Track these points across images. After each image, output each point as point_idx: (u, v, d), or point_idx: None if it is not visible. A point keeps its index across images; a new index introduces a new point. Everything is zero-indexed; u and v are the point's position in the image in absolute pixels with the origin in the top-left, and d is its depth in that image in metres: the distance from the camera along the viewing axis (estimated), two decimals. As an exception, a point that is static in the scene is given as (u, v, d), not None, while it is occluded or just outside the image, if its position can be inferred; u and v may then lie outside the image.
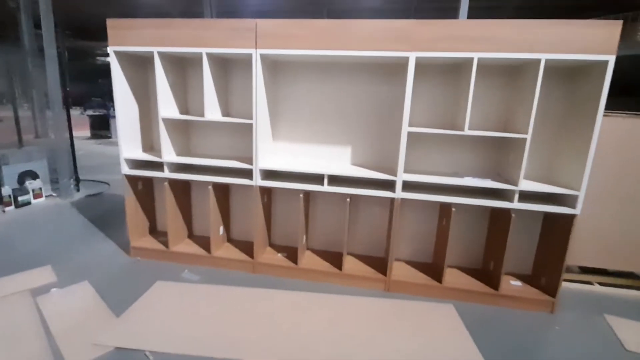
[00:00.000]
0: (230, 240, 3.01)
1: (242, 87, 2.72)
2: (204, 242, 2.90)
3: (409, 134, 2.26)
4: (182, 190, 2.87)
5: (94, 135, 9.80)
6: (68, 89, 4.67)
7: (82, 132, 9.90)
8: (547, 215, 2.43)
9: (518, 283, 2.49)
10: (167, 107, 2.54)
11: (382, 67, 2.47)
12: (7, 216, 3.63)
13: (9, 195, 3.75)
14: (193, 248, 2.83)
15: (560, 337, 2.11)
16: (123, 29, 2.39)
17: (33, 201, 4.00)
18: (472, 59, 2.04)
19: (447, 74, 2.41)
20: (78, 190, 4.48)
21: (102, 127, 9.79)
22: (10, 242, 3.05)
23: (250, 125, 2.69)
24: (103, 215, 3.79)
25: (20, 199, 3.84)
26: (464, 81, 2.23)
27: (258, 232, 2.61)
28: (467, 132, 2.13)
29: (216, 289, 2.42)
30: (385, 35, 2.09)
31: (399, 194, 2.31)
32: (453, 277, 2.51)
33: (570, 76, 2.22)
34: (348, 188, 2.39)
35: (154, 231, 3.13)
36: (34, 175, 4.11)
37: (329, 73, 2.56)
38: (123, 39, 2.40)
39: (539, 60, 1.98)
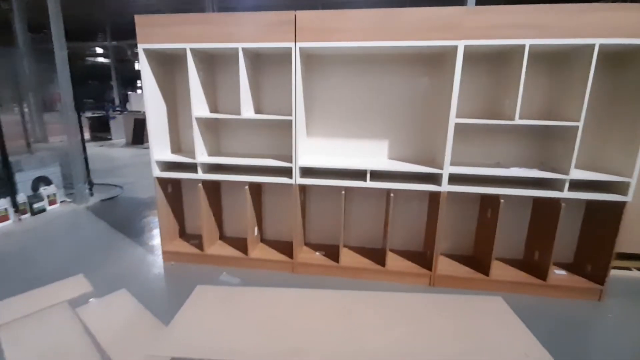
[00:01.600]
0: (263, 240, 2.94)
1: (274, 83, 2.63)
2: (238, 244, 2.83)
3: (447, 125, 2.20)
4: (213, 192, 2.79)
5: (94, 138, 9.59)
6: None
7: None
8: (591, 203, 2.41)
9: (563, 272, 2.47)
10: (199, 106, 2.45)
11: (421, 57, 2.41)
12: (24, 225, 3.51)
13: (24, 203, 3.62)
14: (228, 250, 2.76)
15: (614, 325, 2.10)
16: (152, 26, 2.28)
17: (48, 208, 3.87)
18: (522, 46, 1.98)
19: (488, 63, 2.35)
20: (92, 194, 4.36)
21: (102, 129, 9.58)
22: (33, 252, 2.95)
23: (284, 122, 2.62)
24: (123, 220, 3.69)
25: (35, 206, 3.72)
26: (510, 69, 2.17)
27: (297, 231, 2.55)
28: (518, 121, 2.09)
29: (260, 292, 2.36)
30: (433, 24, 2.03)
31: (445, 187, 2.26)
32: (498, 269, 2.48)
33: (616, 62, 2.18)
34: (390, 183, 2.34)
35: (184, 234, 3.05)
36: (47, 181, 3.98)
37: (365, 65, 2.49)
38: (152, 37, 2.30)
39: (591, 46, 1.93)
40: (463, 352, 1.82)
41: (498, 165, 2.46)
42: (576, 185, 2.21)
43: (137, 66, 22.40)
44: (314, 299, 2.29)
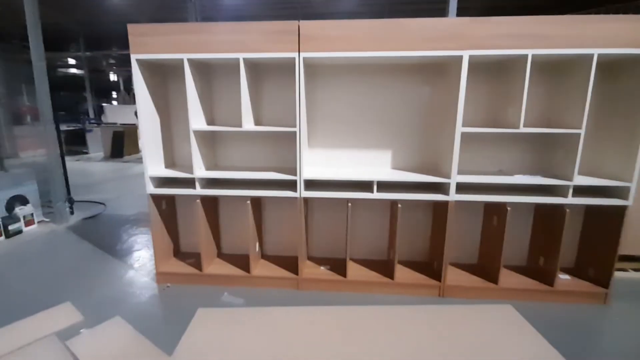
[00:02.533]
0: (263, 256, 2.82)
1: (273, 93, 2.56)
2: (237, 261, 2.70)
3: (454, 134, 2.20)
4: (210, 208, 2.66)
5: (69, 152, 9.11)
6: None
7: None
8: (590, 208, 2.46)
9: (567, 277, 2.50)
10: (196, 118, 2.34)
11: (424, 67, 2.41)
12: (-2, 249, 3.23)
13: (-1, 225, 3.34)
14: (228, 268, 2.62)
15: (623, 327, 2.13)
16: (146, 36, 2.17)
17: (25, 229, 3.59)
18: (525, 56, 2.02)
19: (490, 72, 2.38)
20: (72, 213, 4.09)
21: (78, 142, 9.14)
22: (11, 278, 2.70)
23: (285, 133, 2.56)
24: (109, 240, 3.46)
25: (10, 228, 3.44)
26: (512, 78, 2.21)
27: (301, 246, 2.46)
28: (522, 129, 2.11)
29: (266, 312, 2.24)
30: (437, 34, 2.03)
31: (452, 196, 2.25)
32: (505, 276, 2.48)
33: (613, 71, 2.25)
34: (397, 194, 2.30)
35: (178, 253, 2.88)
36: (23, 200, 3.70)
37: (367, 75, 2.47)
38: (146, 46, 2.18)
39: (590, 56, 1.99)
40: (484, 366, 1.77)
41: (501, 172, 2.48)
42: (578, 190, 2.24)
43: (112, 77, 21.77)
44: (324, 316, 2.20)
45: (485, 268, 2.56)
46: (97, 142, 9.24)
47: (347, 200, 2.36)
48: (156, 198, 2.50)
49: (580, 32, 1.97)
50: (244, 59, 2.15)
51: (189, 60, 2.18)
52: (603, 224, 2.34)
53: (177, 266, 2.65)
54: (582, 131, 2.08)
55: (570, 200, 2.20)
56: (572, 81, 2.17)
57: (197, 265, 2.62)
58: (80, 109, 18.03)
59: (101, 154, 9.19)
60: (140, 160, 8.62)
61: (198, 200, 2.42)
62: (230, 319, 2.17)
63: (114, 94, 25.70)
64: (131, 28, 2.17)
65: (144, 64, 2.29)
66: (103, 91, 21.71)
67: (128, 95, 21.58)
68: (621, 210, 2.18)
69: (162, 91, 2.55)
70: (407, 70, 2.43)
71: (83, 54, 14.10)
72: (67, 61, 17.37)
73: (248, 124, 2.32)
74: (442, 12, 6.35)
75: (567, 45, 1.99)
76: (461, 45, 2.03)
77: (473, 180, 2.26)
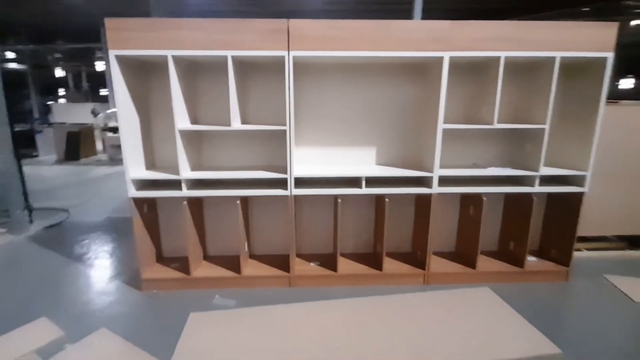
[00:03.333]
0: (252, 256, 2.80)
1: (260, 92, 2.55)
2: (225, 263, 2.66)
3: (436, 130, 2.33)
4: (196, 209, 2.59)
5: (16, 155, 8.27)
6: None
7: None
8: (552, 195, 2.73)
9: (534, 259, 2.76)
10: (180, 117, 2.27)
11: (407, 67, 2.52)
12: (-53, 265, 2.89)
13: (-54, 239, 2.99)
14: (216, 270, 2.57)
15: (585, 299, 2.41)
16: (126, 30, 2.06)
17: (-23, 242, 3.25)
18: (499, 57, 2.19)
19: (466, 73, 2.55)
20: (31, 222, 3.76)
21: (26, 144, 8.33)
22: (-30, 296, 2.44)
23: (273, 132, 2.56)
24: (78, 248, 3.24)
25: (-40, 241, 3.09)
26: (486, 79, 2.39)
27: (292, 243, 2.48)
28: (496, 125, 2.30)
29: (261, 312, 2.24)
30: (422, 36, 2.14)
31: (435, 189, 2.39)
32: (481, 261, 2.68)
33: (570, 72, 2.50)
34: (384, 188, 2.41)
35: (161, 258, 2.77)
36: (-27, 210, 3.34)
37: (352, 74, 2.53)
38: (126, 42, 2.07)
39: (553, 58, 2.21)
40: (467, 342, 1.93)
41: (475, 166, 2.68)
42: (543, 180, 2.48)
43: (58, 72, 20.01)
44: (321, 311, 2.25)
45: (463, 254, 2.75)
46: (48, 143, 8.49)
47: (337, 196, 2.42)
48: (138, 202, 2.39)
49: (545, 37, 2.18)
50: (232, 56, 2.12)
51: (173, 57, 2.11)
52: (563, 209, 2.62)
53: (163, 271, 2.56)
54: (547, 126, 2.31)
55: (536, 189, 2.43)
56: (539, 81, 2.39)
57: (184, 269, 2.55)
58: (22, 107, 16.38)
59: (54, 156, 8.45)
60: (99, 163, 8.07)
61: (185, 202, 2.35)
62: (225, 322, 2.15)
63: (61, 92, 23.66)
64: (109, 22, 2.05)
65: (122, 61, 2.17)
66: (47, 88, 19.90)
67: (78, 93, 20.01)
68: (579, 196, 2.45)
69: (141, 89, 2.43)
70: (391, 70, 2.53)
71: (25, 47, 12.80)
72: (4, 55, 15.70)
73: (236, 122, 2.29)
74: (408, 12, 6.60)
75: (535, 48, 2.19)
76: (443, 47, 2.16)
77: (453, 173, 2.42)
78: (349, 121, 2.62)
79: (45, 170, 7.29)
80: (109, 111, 9.25)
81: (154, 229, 2.69)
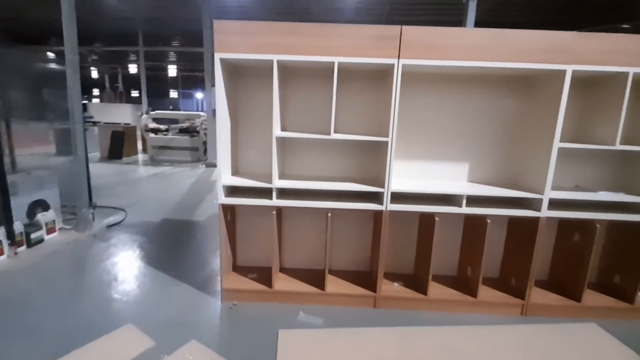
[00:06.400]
0: (331, 271, 2.66)
1: (347, 101, 2.44)
2: (303, 276, 2.54)
3: (550, 148, 2.14)
4: (277, 220, 2.48)
5: (60, 152, 8.54)
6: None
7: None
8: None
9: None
10: (277, 124, 2.18)
11: (510, 79, 2.35)
12: (22, 260, 2.89)
13: (21, 233, 3.01)
14: (297, 285, 2.45)
15: None
16: (233, 34, 2.01)
17: (46, 237, 3.26)
18: (627, 73, 2.00)
19: (579, 87, 2.36)
20: (93, 219, 3.77)
21: (70, 141, 8.57)
22: (48, 296, 2.40)
23: (359, 142, 2.45)
24: (146, 250, 3.20)
25: (32, 236, 3.11)
26: (606, 94, 2.19)
27: (381, 262, 2.33)
28: (618, 147, 2.09)
29: (353, 334, 2.09)
30: (541, 46, 1.98)
31: (544, 212, 2.19)
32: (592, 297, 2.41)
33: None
34: (484, 209, 2.23)
35: (235, 267, 2.68)
36: (44, 206, 3.37)
37: (445, 85, 2.39)
38: (232, 46, 2.01)
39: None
40: None
41: (577, 188, 2.46)
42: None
43: (93, 74, 20.89)
44: (412, 338, 2.07)
45: (562, 285, 2.51)
46: (93, 142, 8.72)
47: (434, 214, 2.26)
48: (225, 208, 2.31)
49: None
50: (339, 63, 2.03)
51: (278, 62, 2.03)
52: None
53: (241, 282, 2.46)
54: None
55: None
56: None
57: (263, 280, 2.44)
58: (63, 105, 17.09)
59: (97, 154, 8.68)
60: (141, 163, 8.20)
61: (274, 212, 2.25)
62: (316, 342, 2.01)
63: (95, 92, 24.66)
64: (217, 25, 2.00)
65: (224, 64, 2.11)
66: (83, 88, 20.76)
67: (114, 94, 20.79)
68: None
69: (233, 94, 2.38)
70: (492, 82, 2.37)
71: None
72: (46, 55, 16.50)
73: (334, 132, 2.18)
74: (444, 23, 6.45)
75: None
76: (565, 60, 2.00)
77: (566, 196, 2.22)
78: (442, 134, 2.47)
79: (92, 167, 7.44)
80: (152, 112, 9.46)
81: (232, 238, 2.60)
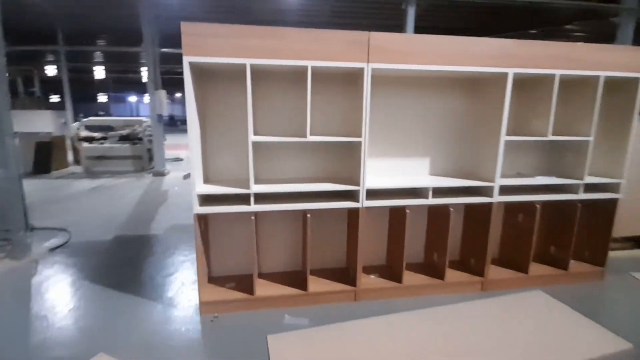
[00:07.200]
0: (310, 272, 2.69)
1: (320, 102, 2.50)
2: (282, 279, 2.55)
3: (498, 141, 2.44)
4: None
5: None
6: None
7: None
8: (585, 202, 2.95)
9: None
10: (251, 129, 2.16)
11: (462, 81, 2.62)
12: (-56, 299, 2.45)
13: (-60, 268, 2.54)
14: (278, 289, 2.44)
15: (615, 295, 2.61)
16: (202, 36, 1.94)
17: (-27, 270, 2.80)
18: (554, 75, 2.36)
19: (515, 89, 2.70)
20: (31, 244, 3.32)
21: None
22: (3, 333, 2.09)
23: (330, 143, 2.53)
24: (99, 272, 2.91)
25: (-44, 270, 2.64)
26: (539, 93, 2.55)
27: (360, 256, 2.43)
28: (550, 137, 2.46)
29: (341, 328, 2.16)
30: (493, 52, 2.25)
31: (496, 198, 2.49)
32: (535, 268, 2.78)
33: (609, 89, 2.75)
34: (447, 199, 2.46)
35: (210, 279, 2.57)
36: (-32, 233, 2.88)
37: (406, 87, 2.58)
38: (202, 48, 1.95)
39: (598, 77, 2.43)
40: (533, 346, 2.00)
41: (519, 175, 2.83)
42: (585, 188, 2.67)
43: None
44: (400, 324, 2.21)
45: (512, 261, 2.86)
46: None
47: (405, 207, 2.42)
48: (199, 218, 2.22)
49: (588, 57, 2.38)
50: (312, 67, 2.08)
51: (251, 66, 2.02)
52: (598, 215, 2.83)
53: (220, 293, 2.38)
54: (592, 138, 2.51)
55: (581, 196, 2.62)
56: (584, 97, 2.57)
57: (242, 289, 2.40)
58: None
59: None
60: (74, 176, 7.37)
61: (252, 217, 2.22)
62: (307, 342, 2.04)
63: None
64: (185, 27, 1.92)
65: (192, 68, 2.03)
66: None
67: (30, 100, 18.19)
68: (614, 202, 2.68)
69: (201, 100, 2.29)
70: (447, 84, 2.62)
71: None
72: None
73: (309, 134, 2.23)
74: (402, 29, 6.89)
75: (583, 67, 2.39)
76: (507, 64, 2.29)
77: (512, 183, 2.54)
78: (406, 133, 2.66)
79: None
80: (85, 119, 8.52)
81: (205, 247, 2.50)
